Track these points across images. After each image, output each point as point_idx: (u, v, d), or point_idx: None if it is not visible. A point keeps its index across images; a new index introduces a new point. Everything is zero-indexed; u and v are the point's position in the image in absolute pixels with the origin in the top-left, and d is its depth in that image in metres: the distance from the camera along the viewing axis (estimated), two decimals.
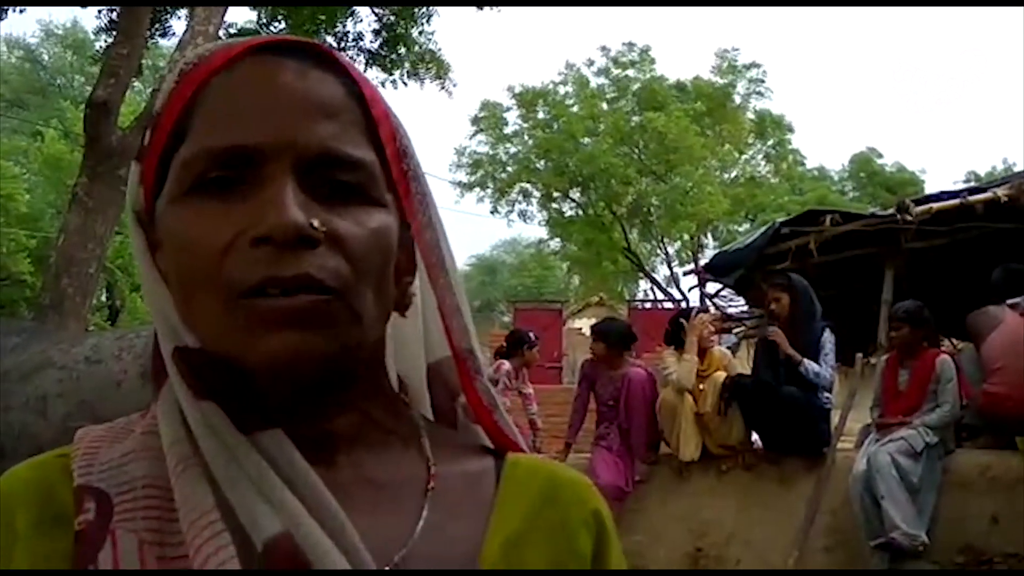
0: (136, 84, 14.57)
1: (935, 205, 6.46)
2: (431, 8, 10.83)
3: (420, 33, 11.00)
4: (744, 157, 26.01)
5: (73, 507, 0.63)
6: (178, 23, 9.67)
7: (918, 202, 6.59)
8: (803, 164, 27.80)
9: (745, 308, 9.10)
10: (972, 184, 10.40)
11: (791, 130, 26.13)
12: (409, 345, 0.76)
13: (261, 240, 0.61)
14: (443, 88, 11.53)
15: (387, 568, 0.63)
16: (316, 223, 0.61)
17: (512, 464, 0.74)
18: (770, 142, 25.99)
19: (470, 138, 24.17)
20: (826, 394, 5.64)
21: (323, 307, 0.61)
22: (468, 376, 0.76)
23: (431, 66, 11.16)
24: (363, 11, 10.70)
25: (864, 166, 29.40)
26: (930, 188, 23.73)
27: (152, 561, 0.60)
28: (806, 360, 5.49)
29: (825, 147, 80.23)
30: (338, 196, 0.64)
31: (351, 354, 0.65)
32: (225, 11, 7.71)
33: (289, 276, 0.60)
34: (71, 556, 0.61)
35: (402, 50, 10.83)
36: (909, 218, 6.31)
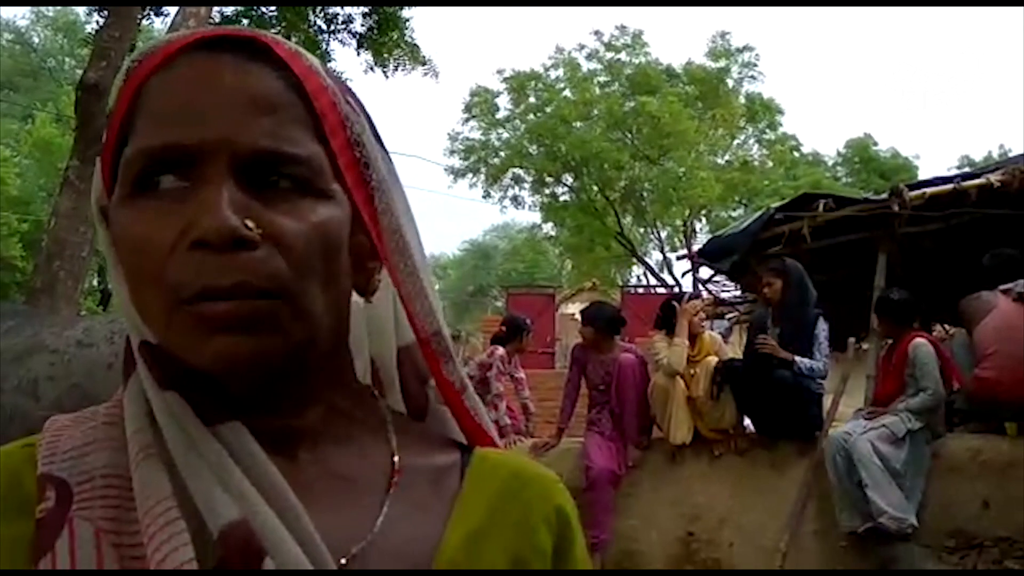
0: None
1: (928, 190, 6.46)
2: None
3: (406, 22, 10.95)
4: (737, 142, 25.96)
5: (36, 495, 0.64)
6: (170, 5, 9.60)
7: (912, 187, 6.61)
8: (798, 150, 27.78)
9: (738, 293, 9.13)
10: (966, 169, 10.41)
11: (780, 111, 26.06)
12: (381, 329, 0.77)
13: (198, 244, 0.61)
14: (427, 74, 11.50)
15: (343, 560, 0.63)
16: (251, 224, 0.61)
17: (479, 458, 0.75)
18: (761, 124, 25.92)
19: (463, 124, 24.11)
20: (818, 379, 5.66)
21: (263, 310, 0.62)
22: (435, 360, 0.76)
23: (413, 56, 11.11)
24: None
25: (859, 152, 29.40)
26: (924, 174, 23.72)
27: (108, 549, 0.61)
28: (798, 358, 5.50)
29: (820, 133, 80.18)
30: (280, 191, 0.64)
31: (301, 352, 0.65)
32: None
33: (226, 286, 0.61)
34: (31, 542, 0.62)
35: (393, 34, 10.77)
36: (902, 203, 6.32)
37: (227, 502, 0.60)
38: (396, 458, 0.71)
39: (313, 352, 0.67)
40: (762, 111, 25.24)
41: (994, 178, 6.33)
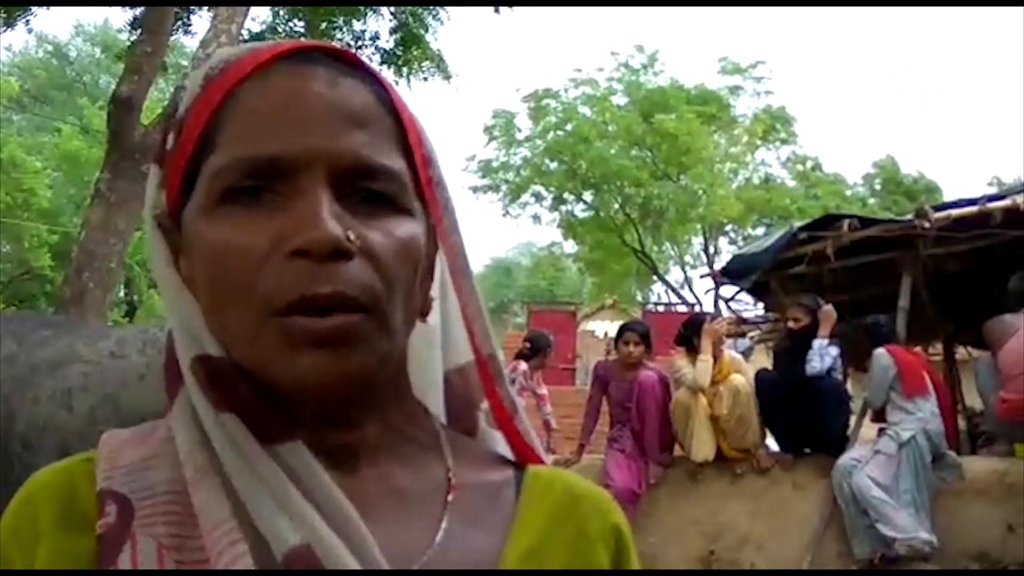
0: (160, 82, 14.64)
1: (954, 212, 6.43)
2: (442, 12, 10.86)
3: (432, 33, 11.05)
4: (756, 161, 25.84)
5: (95, 510, 0.64)
6: (200, 21, 9.74)
7: (937, 208, 6.58)
8: (819, 169, 27.64)
9: (761, 312, 9.09)
10: (995, 189, 10.34)
11: (793, 120, 25.91)
12: (428, 351, 0.76)
13: (298, 253, 0.61)
14: (449, 84, 11.61)
15: None
16: (352, 236, 0.61)
17: (532, 476, 0.74)
18: (780, 137, 25.77)
19: (484, 147, 24.19)
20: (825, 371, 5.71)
21: (356, 327, 0.61)
22: (491, 381, 0.76)
23: (439, 66, 11.20)
24: (383, 8, 10.72)
25: (884, 173, 29.21)
26: (949, 198, 23.52)
27: (171, 565, 0.61)
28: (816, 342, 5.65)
29: (845, 157, 79.82)
30: (368, 205, 0.64)
31: (380, 368, 0.65)
32: (248, 10, 7.77)
33: (324, 295, 0.60)
34: (92, 557, 0.62)
35: (416, 51, 10.87)
36: (927, 224, 6.29)
37: (289, 526, 0.60)
38: (451, 474, 0.71)
39: (385, 368, 0.66)
40: (776, 124, 25.08)
41: (1020, 200, 6.29)
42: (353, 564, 0.60)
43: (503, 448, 0.77)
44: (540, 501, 0.72)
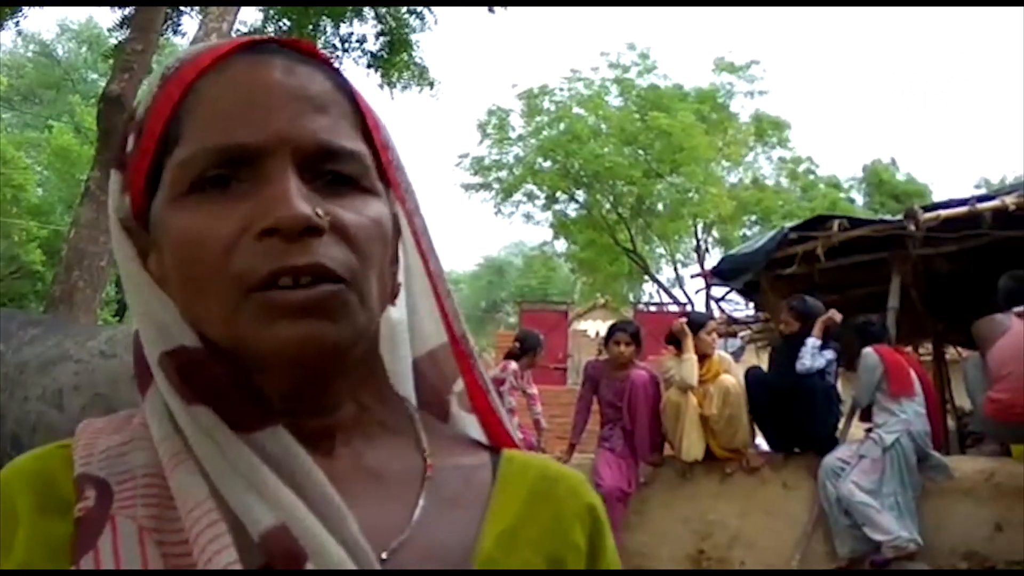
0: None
1: (943, 212, 6.47)
2: (428, 16, 10.87)
3: (416, 37, 11.06)
4: (748, 159, 25.91)
5: (73, 495, 0.63)
6: (190, 21, 9.72)
7: (926, 209, 6.61)
8: (813, 172, 27.72)
9: (751, 312, 9.12)
10: (984, 191, 10.39)
11: (788, 126, 26.01)
12: (397, 335, 0.76)
13: (267, 232, 0.61)
14: (433, 96, 11.65)
15: (383, 555, 0.63)
16: (321, 212, 0.62)
17: (507, 459, 0.75)
18: (771, 141, 25.86)
19: (478, 145, 24.16)
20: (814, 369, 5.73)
21: (337, 296, 0.62)
22: (466, 359, 0.77)
23: (422, 76, 11.23)
24: (367, 12, 10.71)
25: (875, 176, 29.32)
26: (939, 199, 23.61)
27: (151, 547, 0.61)
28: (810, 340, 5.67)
29: (837, 158, 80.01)
30: (334, 187, 0.65)
31: (358, 342, 0.66)
32: (239, 10, 7.76)
33: (302, 264, 0.61)
34: (70, 541, 0.61)
35: (403, 55, 10.88)
36: (917, 225, 6.32)
37: (264, 508, 0.60)
38: (427, 455, 0.72)
39: (362, 344, 0.67)
40: (770, 128, 25.18)
41: (1009, 200, 6.32)
42: (331, 544, 0.60)
43: (476, 432, 0.78)
44: (515, 483, 0.73)
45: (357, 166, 0.67)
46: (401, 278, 0.74)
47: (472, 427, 0.78)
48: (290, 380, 0.65)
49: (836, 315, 5.80)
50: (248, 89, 0.66)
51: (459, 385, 0.78)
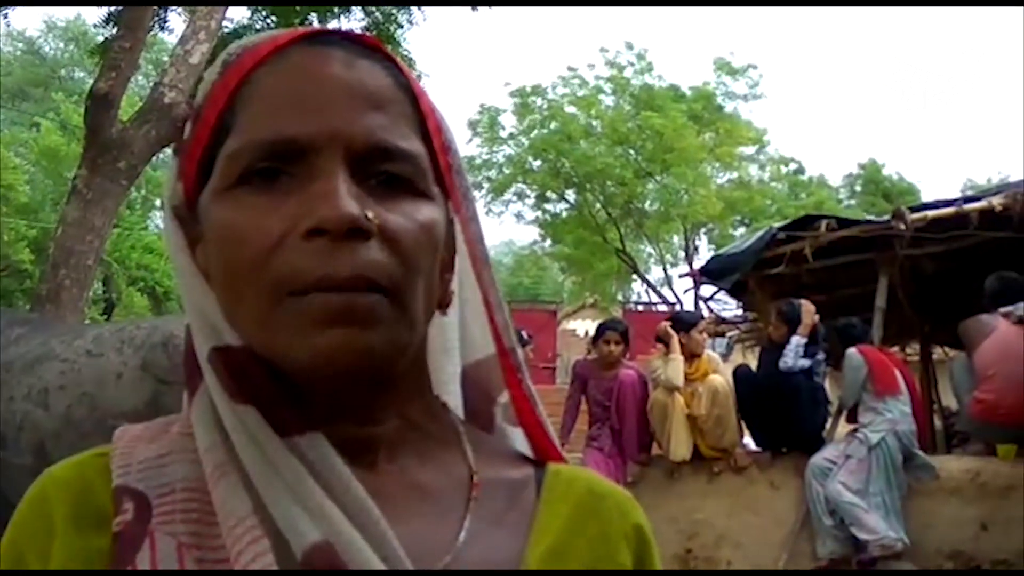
0: (138, 78, 14.54)
1: (931, 213, 6.50)
2: (416, 13, 10.85)
3: (402, 33, 11.04)
4: (739, 161, 25.98)
5: (111, 507, 0.62)
6: (178, 19, 9.67)
7: (914, 209, 6.63)
8: (802, 172, 27.82)
9: (739, 312, 9.14)
10: (970, 193, 10.44)
11: (765, 131, 26.13)
12: (448, 344, 0.74)
13: (314, 232, 0.59)
14: None
15: None
16: (370, 215, 0.60)
17: (553, 474, 0.73)
18: (765, 146, 25.98)
19: (467, 143, 24.15)
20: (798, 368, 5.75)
21: (374, 306, 0.60)
22: (513, 372, 0.75)
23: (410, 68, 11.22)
24: (354, 9, 10.69)
25: (864, 176, 29.45)
26: (927, 199, 23.72)
27: (191, 563, 0.60)
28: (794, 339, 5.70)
29: (826, 159, 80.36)
30: (387, 188, 0.63)
31: (399, 354, 0.63)
32: (226, 8, 7.73)
33: (344, 277, 0.59)
34: (108, 555, 0.60)
35: (389, 48, 10.86)
36: (904, 225, 6.35)
37: (308, 523, 0.59)
38: (474, 471, 0.69)
39: (406, 356, 0.65)
40: (745, 131, 25.24)
41: (996, 201, 6.35)
42: (375, 562, 0.58)
43: (521, 444, 0.76)
44: (561, 500, 0.71)
45: (412, 168, 0.64)
46: (454, 286, 0.72)
47: (517, 439, 0.76)
48: (326, 388, 0.63)
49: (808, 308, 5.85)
50: (304, 82, 0.64)
51: (504, 397, 0.76)
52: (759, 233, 7.52)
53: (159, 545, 0.60)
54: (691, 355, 5.96)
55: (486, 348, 0.75)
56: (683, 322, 6.08)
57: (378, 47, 0.68)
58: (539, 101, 23.45)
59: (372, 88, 0.65)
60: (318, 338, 0.59)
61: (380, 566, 0.59)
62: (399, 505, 0.64)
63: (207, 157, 0.66)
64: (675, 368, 5.83)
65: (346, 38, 0.68)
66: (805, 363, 5.67)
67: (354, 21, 10.72)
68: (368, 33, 10.78)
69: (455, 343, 0.74)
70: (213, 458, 0.63)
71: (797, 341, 5.68)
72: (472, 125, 23.87)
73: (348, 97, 0.64)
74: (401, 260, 0.61)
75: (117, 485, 0.63)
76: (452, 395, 0.74)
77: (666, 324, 6.12)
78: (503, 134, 23.92)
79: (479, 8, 9.79)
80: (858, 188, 29.59)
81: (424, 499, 0.67)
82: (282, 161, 0.62)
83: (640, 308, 22.13)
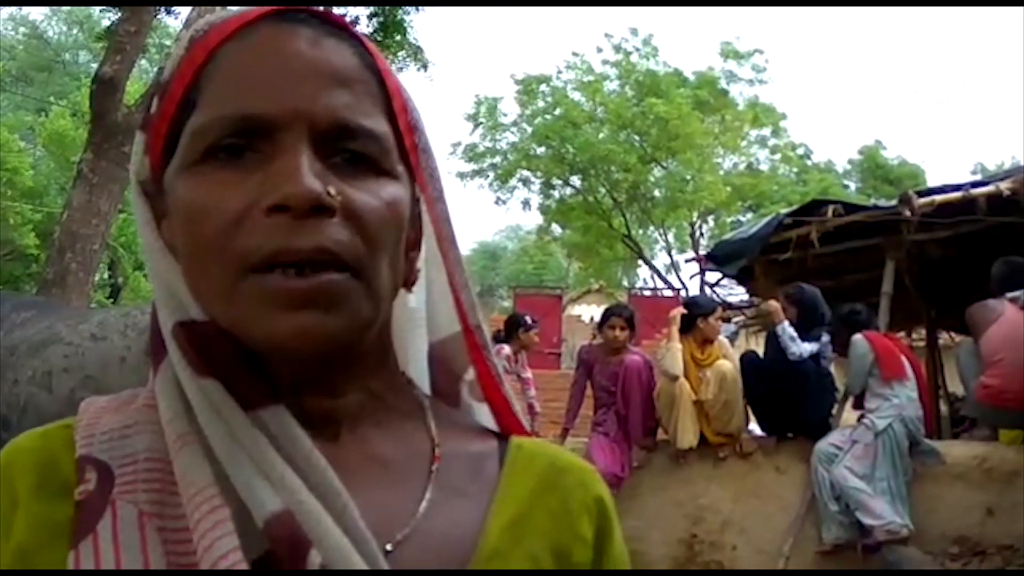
0: (142, 62, 14.52)
1: (938, 198, 6.46)
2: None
3: (409, 19, 11.00)
4: (743, 144, 25.87)
5: (74, 477, 0.63)
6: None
7: (921, 194, 6.60)
8: (808, 157, 27.70)
9: (746, 297, 9.13)
10: (979, 176, 10.38)
11: (783, 116, 26.02)
12: (413, 322, 0.75)
13: (276, 208, 0.59)
14: (426, 73, 11.58)
15: (388, 547, 0.62)
16: (332, 191, 0.60)
17: (516, 447, 0.73)
18: (766, 131, 25.86)
19: (470, 134, 24.08)
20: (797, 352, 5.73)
21: (338, 287, 0.60)
22: (479, 350, 0.76)
23: (416, 56, 11.18)
24: None
25: (869, 160, 29.33)
26: (934, 183, 23.60)
27: (151, 532, 0.60)
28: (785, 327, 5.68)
29: (832, 143, 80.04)
30: (351, 167, 0.63)
31: (363, 331, 0.64)
32: None
33: (306, 248, 0.59)
34: (71, 524, 0.61)
35: (397, 36, 10.82)
36: (911, 210, 6.32)
37: (270, 492, 0.59)
38: (436, 443, 0.70)
39: (369, 333, 0.66)
40: (763, 116, 25.15)
41: (1004, 186, 6.32)
42: (335, 531, 0.59)
43: (486, 420, 0.77)
44: (523, 472, 0.71)
45: (376, 146, 0.65)
46: (420, 265, 0.73)
47: (482, 415, 0.77)
48: (288, 365, 0.64)
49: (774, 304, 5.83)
50: (268, 58, 0.64)
51: (470, 374, 0.77)
52: (766, 219, 7.50)
53: (120, 513, 0.61)
54: (705, 340, 5.94)
55: (452, 326, 0.76)
56: (700, 307, 6.07)
57: (346, 27, 0.69)
58: (543, 88, 23.37)
59: (338, 66, 0.65)
60: (281, 321, 0.60)
61: (340, 536, 0.59)
62: (361, 475, 0.65)
63: (173, 132, 0.66)
64: (673, 357, 5.82)
65: (315, 16, 0.67)
66: (811, 347, 5.65)
67: (360, 7, 10.68)
68: (375, 18, 10.76)
69: (422, 321, 0.75)
70: (176, 429, 0.63)
71: (783, 330, 5.63)
72: (471, 116, 23.81)
73: (313, 75, 0.64)
74: (364, 237, 0.62)
75: (80, 455, 0.64)
76: (419, 372, 0.75)
77: (679, 310, 6.11)
78: (505, 120, 23.86)
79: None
80: (862, 172, 29.47)
81: (386, 470, 0.68)
82: (247, 137, 0.62)
83: (646, 293, 22.09)
